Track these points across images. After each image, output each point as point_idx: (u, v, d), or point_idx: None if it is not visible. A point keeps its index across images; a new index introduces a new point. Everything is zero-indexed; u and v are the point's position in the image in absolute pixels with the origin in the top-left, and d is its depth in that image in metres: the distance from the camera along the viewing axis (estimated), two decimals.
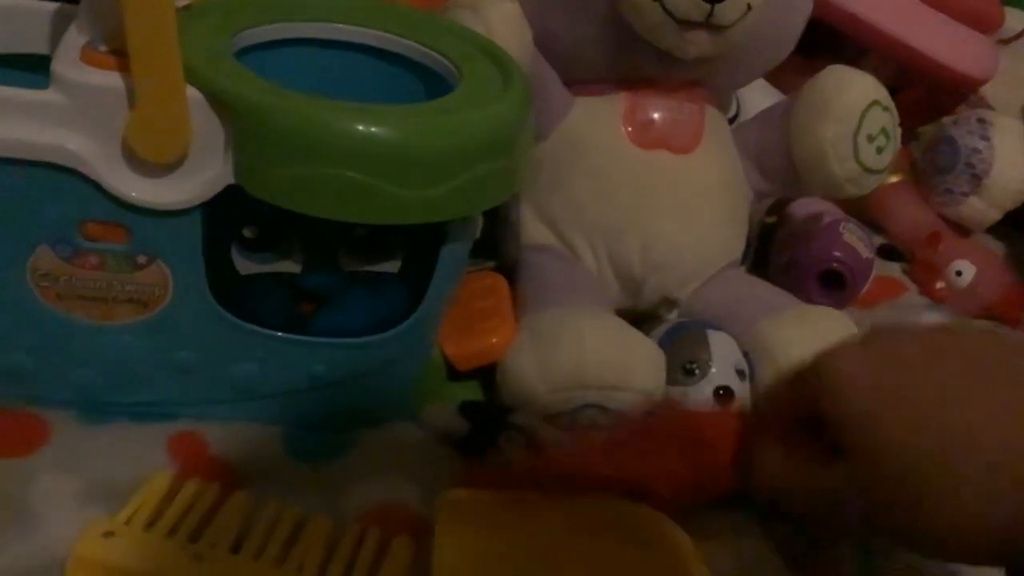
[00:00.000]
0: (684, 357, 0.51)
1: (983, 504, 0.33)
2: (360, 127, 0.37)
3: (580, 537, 0.37)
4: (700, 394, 0.50)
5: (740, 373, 0.52)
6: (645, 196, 0.54)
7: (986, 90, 0.78)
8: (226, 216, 0.40)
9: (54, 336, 0.42)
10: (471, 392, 0.51)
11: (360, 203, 0.38)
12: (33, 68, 0.40)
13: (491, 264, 0.58)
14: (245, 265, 0.44)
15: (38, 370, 0.43)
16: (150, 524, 0.39)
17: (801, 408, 0.39)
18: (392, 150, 0.37)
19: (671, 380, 0.50)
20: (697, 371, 0.51)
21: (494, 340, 0.50)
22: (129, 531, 0.38)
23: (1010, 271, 0.71)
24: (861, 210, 0.72)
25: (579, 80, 0.55)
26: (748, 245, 0.60)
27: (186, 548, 0.38)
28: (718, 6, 0.49)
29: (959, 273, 0.69)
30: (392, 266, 0.47)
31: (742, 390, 0.51)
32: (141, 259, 0.40)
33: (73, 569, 0.36)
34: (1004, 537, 0.33)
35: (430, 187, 0.38)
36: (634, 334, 0.50)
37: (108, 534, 0.37)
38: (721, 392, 0.51)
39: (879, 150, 0.55)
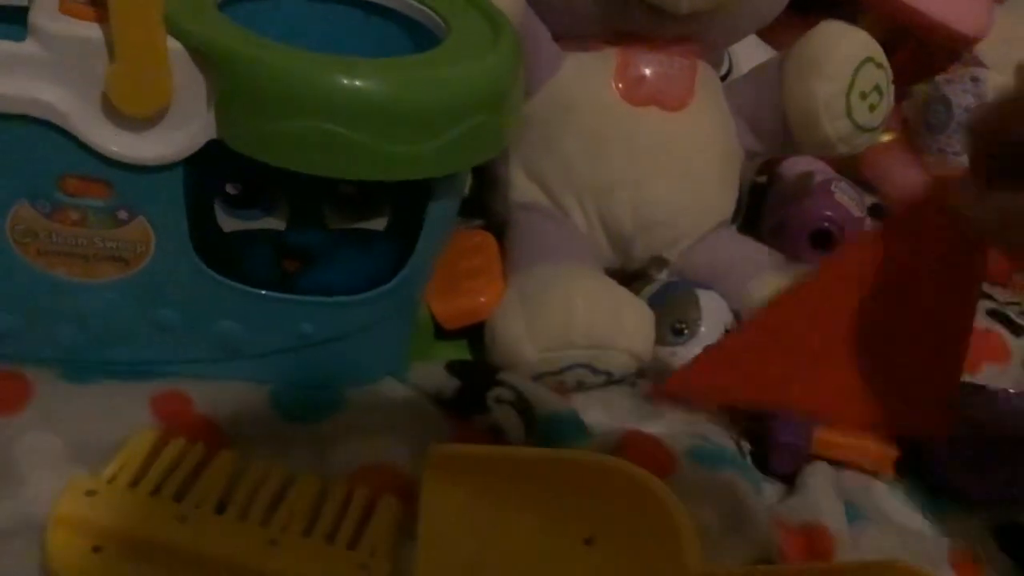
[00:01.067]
0: (674, 317, 0.51)
1: None
2: (345, 81, 0.36)
3: (568, 494, 0.37)
4: (689, 354, 0.50)
5: (728, 331, 0.52)
6: (636, 154, 0.54)
7: (980, 48, 0.77)
8: (209, 172, 0.40)
9: (35, 293, 0.41)
10: (458, 351, 0.51)
11: (345, 159, 0.37)
12: (10, 20, 0.39)
13: (479, 222, 0.57)
14: (229, 222, 0.43)
15: (20, 328, 0.42)
16: (134, 483, 0.38)
17: None
18: (378, 104, 0.37)
19: (660, 340, 0.50)
20: (686, 331, 0.50)
21: (482, 299, 0.50)
22: (112, 490, 0.38)
23: None
24: (853, 169, 0.71)
25: (569, 35, 0.54)
26: (739, 204, 0.60)
27: (170, 507, 0.37)
28: None
29: None
30: (379, 223, 0.46)
31: None
32: (122, 215, 0.40)
33: (55, 527, 0.36)
34: None
35: (417, 142, 0.38)
36: (623, 294, 0.50)
37: (91, 492, 0.37)
38: None
39: (872, 108, 0.54)
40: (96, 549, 0.36)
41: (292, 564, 0.36)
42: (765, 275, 0.54)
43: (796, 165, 0.66)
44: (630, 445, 0.45)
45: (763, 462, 0.49)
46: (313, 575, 0.36)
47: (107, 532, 0.36)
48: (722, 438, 0.48)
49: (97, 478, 0.38)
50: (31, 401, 0.42)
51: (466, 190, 0.48)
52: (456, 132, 0.38)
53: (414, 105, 0.37)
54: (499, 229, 0.55)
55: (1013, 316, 0.66)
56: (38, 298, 0.42)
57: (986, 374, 0.60)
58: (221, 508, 0.38)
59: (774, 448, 0.48)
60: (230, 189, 0.43)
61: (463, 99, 0.39)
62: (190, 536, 0.36)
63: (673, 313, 0.51)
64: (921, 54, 0.77)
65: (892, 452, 0.48)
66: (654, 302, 0.51)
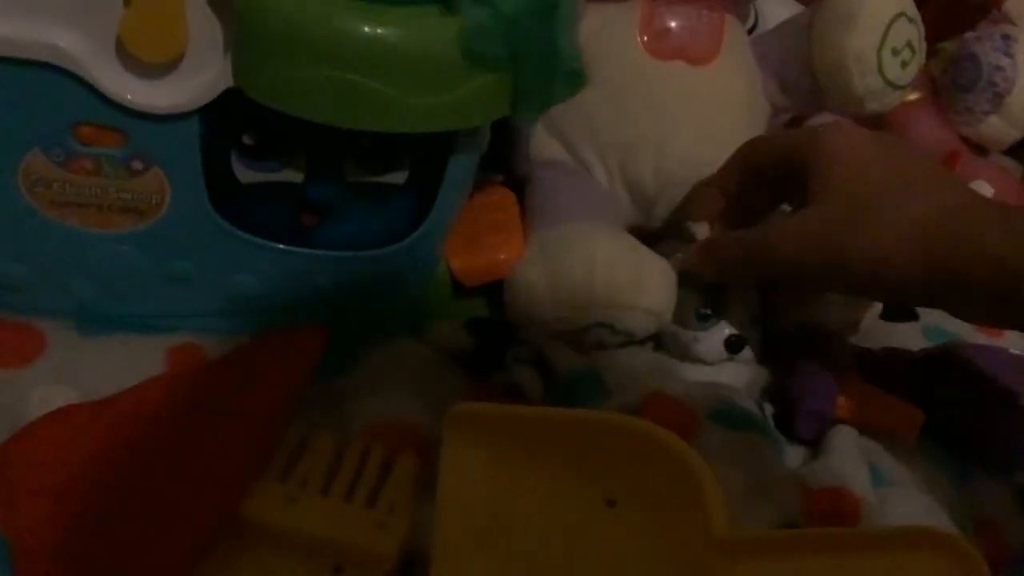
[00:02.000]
0: (699, 300, 0.50)
1: (906, 231, 0.42)
2: (366, 28, 0.35)
3: (591, 455, 0.36)
4: (711, 340, 0.49)
5: (753, 320, 0.51)
6: (660, 109, 0.52)
7: (1009, 5, 0.75)
8: (226, 121, 0.39)
9: (48, 244, 0.41)
10: (477, 309, 0.50)
11: (365, 109, 0.36)
12: None
13: (498, 178, 0.56)
14: (246, 174, 0.42)
15: (33, 279, 0.42)
16: None
17: (776, 162, 0.48)
18: (400, 54, 0.36)
19: (684, 323, 0.49)
20: (711, 317, 0.49)
21: (502, 256, 0.49)
22: None
23: None
24: (879, 128, 0.70)
25: None
26: None
27: None
28: None
29: None
30: (398, 177, 0.45)
31: (754, 338, 0.51)
32: (137, 165, 0.39)
33: None
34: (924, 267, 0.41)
35: (438, 94, 0.37)
36: (645, 253, 0.49)
37: None
38: (732, 340, 0.49)
39: (904, 64, 0.53)
40: None
41: (310, 521, 0.36)
42: None
43: (822, 123, 0.65)
44: (651, 406, 0.44)
45: (785, 426, 0.48)
46: (331, 532, 0.36)
47: None
48: (745, 400, 0.47)
49: None
50: (45, 353, 0.41)
51: (487, 145, 0.47)
52: (478, 84, 0.37)
53: (436, 55, 0.36)
54: (519, 185, 0.54)
55: None
56: (51, 249, 0.41)
57: (1009, 338, 0.60)
58: None
59: (799, 413, 0.47)
60: (247, 140, 0.42)
61: None
62: None
63: (699, 296, 0.50)
64: (949, 10, 0.75)
65: (918, 416, 0.47)
66: (679, 276, 0.50)
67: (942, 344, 0.53)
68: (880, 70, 0.52)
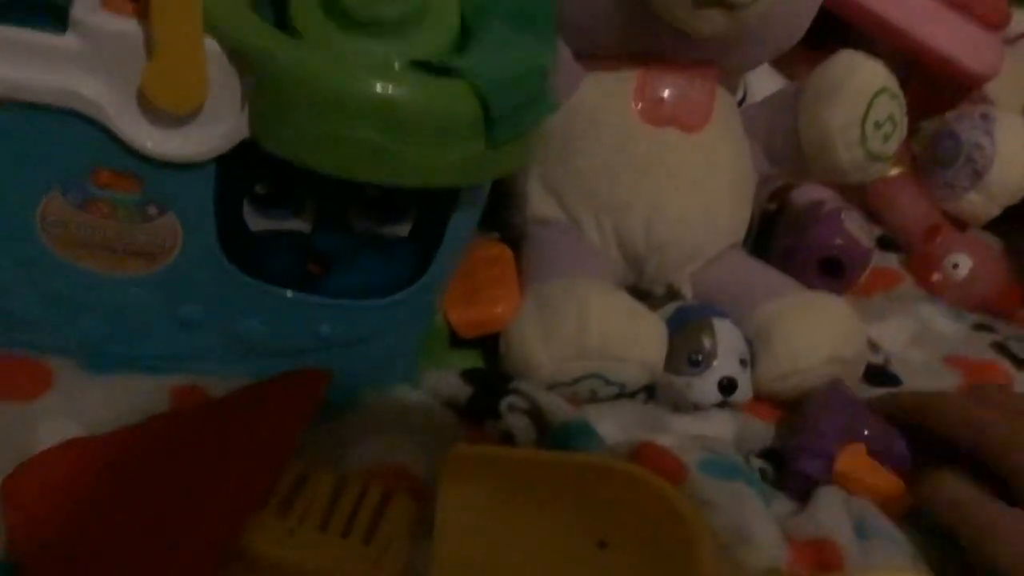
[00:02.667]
0: (690, 347, 0.51)
1: None
2: (379, 88, 0.36)
3: (583, 497, 0.37)
4: (705, 384, 0.51)
5: (743, 362, 0.52)
6: (652, 173, 0.54)
7: (989, 87, 0.78)
8: (240, 170, 0.40)
9: (61, 284, 0.42)
10: (473, 360, 0.51)
11: (375, 163, 0.38)
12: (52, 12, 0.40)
13: (495, 235, 0.58)
14: (256, 221, 0.44)
15: (44, 317, 0.43)
16: None
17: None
18: (414, 113, 0.37)
19: (677, 370, 0.51)
20: (703, 361, 0.51)
21: (498, 309, 0.50)
22: None
23: (1006, 266, 0.72)
24: (861, 201, 0.72)
25: (591, 55, 0.55)
26: (749, 228, 0.60)
27: None
28: None
29: (956, 266, 0.70)
30: (402, 230, 0.47)
31: (744, 379, 0.52)
32: (152, 210, 0.40)
33: None
34: None
35: (447, 151, 0.38)
36: (637, 306, 0.51)
37: None
38: (725, 383, 0.51)
39: (886, 137, 0.55)
40: None
41: (308, 556, 0.37)
42: (777, 300, 0.55)
43: (807, 193, 0.67)
44: (642, 455, 0.45)
45: (774, 481, 0.49)
46: (328, 568, 0.36)
47: None
48: (732, 453, 0.48)
49: None
50: (51, 389, 0.42)
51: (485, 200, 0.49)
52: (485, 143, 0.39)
53: (450, 115, 0.38)
54: (515, 242, 0.56)
55: (1016, 350, 0.66)
56: (64, 289, 0.42)
57: None
58: None
59: (790, 474, 0.48)
60: (259, 189, 0.43)
61: None
62: None
63: (689, 343, 0.51)
64: (931, 91, 0.78)
65: (906, 499, 0.47)
66: (669, 326, 0.52)
67: None
68: (863, 142, 0.54)
